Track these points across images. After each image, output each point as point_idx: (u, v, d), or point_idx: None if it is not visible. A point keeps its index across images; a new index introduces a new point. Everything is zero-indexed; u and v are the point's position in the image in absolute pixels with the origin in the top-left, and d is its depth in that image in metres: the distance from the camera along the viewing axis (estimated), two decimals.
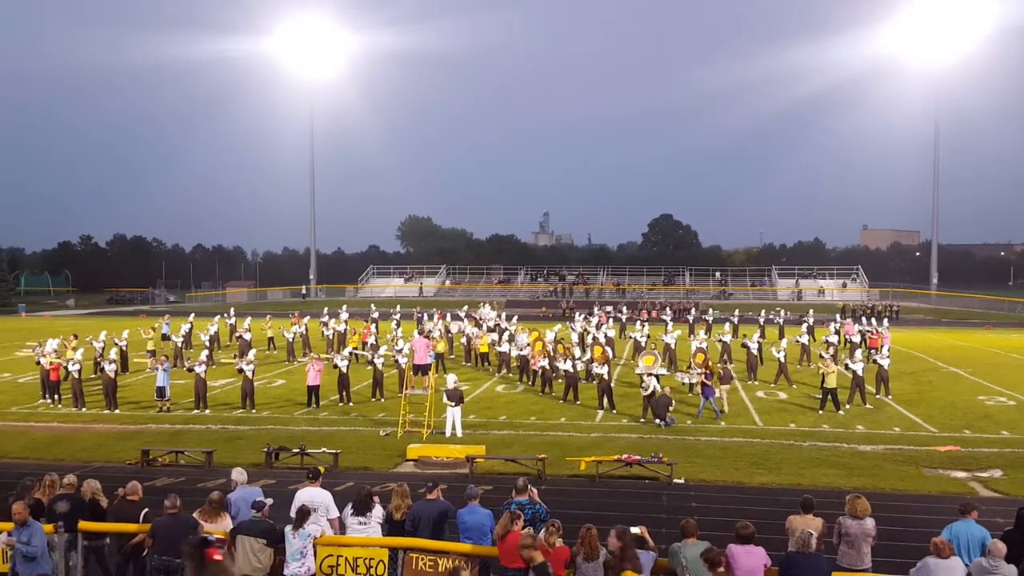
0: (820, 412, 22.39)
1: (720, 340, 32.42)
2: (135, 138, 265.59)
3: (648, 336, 32.23)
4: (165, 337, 35.26)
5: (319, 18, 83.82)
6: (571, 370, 24.25)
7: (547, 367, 25.61)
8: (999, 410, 23.22)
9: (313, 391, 23.18)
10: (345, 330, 35.54)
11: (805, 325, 36.72)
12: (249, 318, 37.92)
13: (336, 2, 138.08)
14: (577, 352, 26.73)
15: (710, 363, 23.80)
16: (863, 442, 19.06)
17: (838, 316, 41.98)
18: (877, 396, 24.50)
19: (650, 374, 21.79)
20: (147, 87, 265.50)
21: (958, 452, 18.07)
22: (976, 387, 27.24)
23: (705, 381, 22.14)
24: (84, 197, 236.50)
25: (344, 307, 42.76)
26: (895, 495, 14.81)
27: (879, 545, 9.77)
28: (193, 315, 40.06)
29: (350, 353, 26.73)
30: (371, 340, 30.93)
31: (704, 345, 28.55)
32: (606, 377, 23.26)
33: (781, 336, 35.55)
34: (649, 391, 21.13)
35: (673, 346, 30.88)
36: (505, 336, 31.76)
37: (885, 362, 25.27)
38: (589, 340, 31.97)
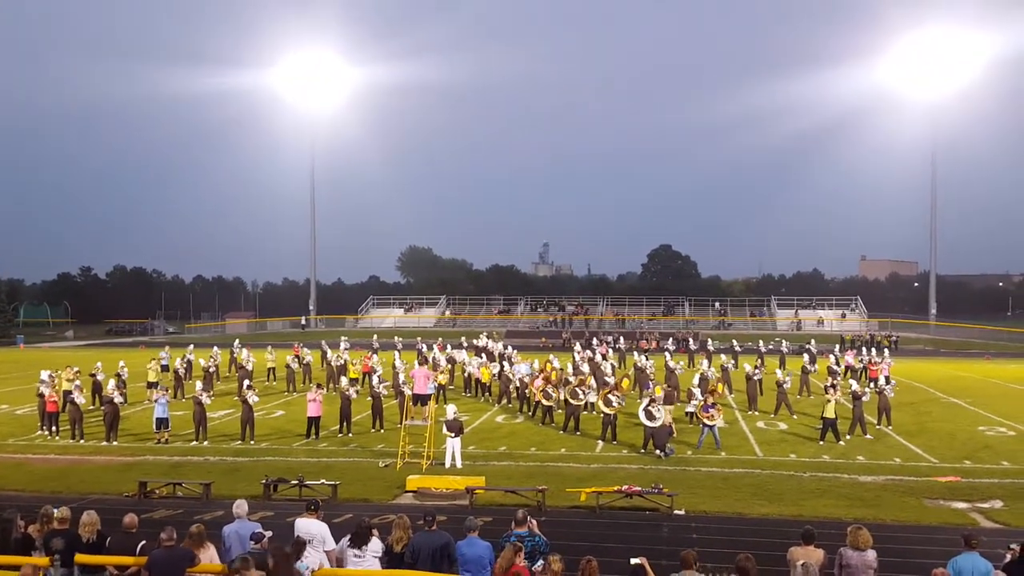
0: (820, 443, 22.33)
1: (724, 368, 32.51)
2: (136, 170, 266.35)
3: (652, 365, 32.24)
4: (165, 368, 35.21)
5: (321, 51, 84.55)
6: (591, 400, 24.21)
7: (568, 398, 25.10)
8: (999, 440, 23.16)
9: (313, 422, 23.17)
10: (345, 361, 35.48)
11: (807, 355, 36.75)
12: (246, 349, 37.90)
13: (338, 35, 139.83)
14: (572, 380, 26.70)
15: (716, 392, 23.82)
16: (864, 473, 19.01)
17: (837, 347, 42.02)
18: (878, 427, 24.45)
19: (658, 405, 21.73)
20: (148, 119, 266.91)
21: (959, 483, 18.01)
22: (976, 417, 27.18)
23: (702, 413, 22.12)
24: (84, 228, 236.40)
25: (343, 338, 42.72)
26: (896, 526, 14.76)
27: None
28: (192, 346, 40.02)
29: (350, 383, 26.73)
30: (379, 370, 30.73)
31: (710, 374, 28.85)
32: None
33: (782, 365, 35.52)
34: (658, 423, 21.01)
35: (677, 376, 30.88)
36: (507, 366, 31.71)
37: (890, 392, 25.29)
38: (607, 369, 31.89)
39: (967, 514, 15.73)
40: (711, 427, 21.79)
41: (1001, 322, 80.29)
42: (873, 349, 40.19)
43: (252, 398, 23.05)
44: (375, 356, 36.74)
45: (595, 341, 44.41)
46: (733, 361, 34.87)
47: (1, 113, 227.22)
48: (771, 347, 41.60)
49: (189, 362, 35.43)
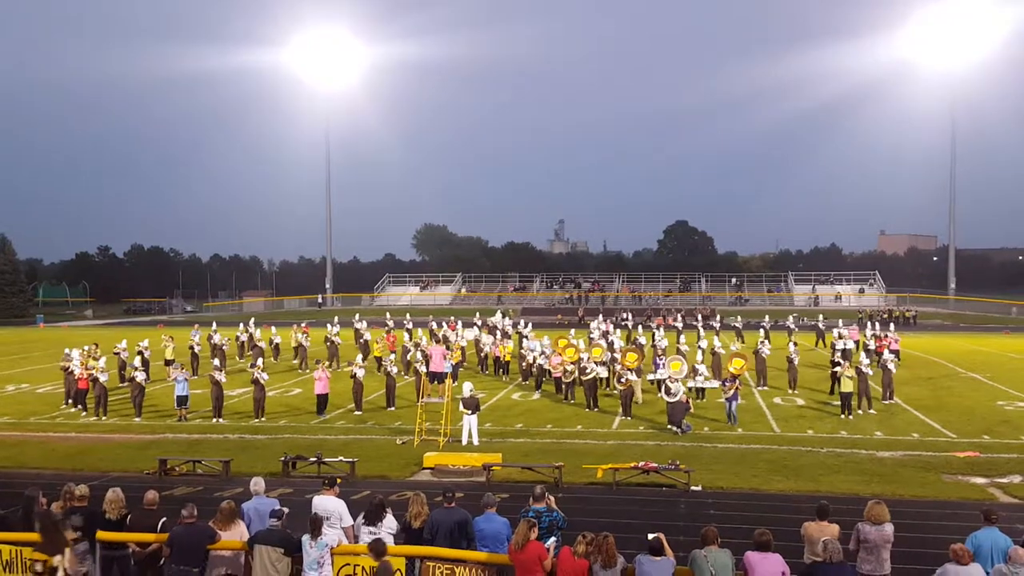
0: (841, 417, 22.34)
1: (735, 344, 32.51)
2: (152, 149, 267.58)
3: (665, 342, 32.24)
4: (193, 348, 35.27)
5: (334, 29, 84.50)
6: (602, 375, 24.41)
7: (581, 376, 25.22)
8: (1018, 415, 23.01)
9: (321, 399, 23.48)
10: (367, 340, 35.62)
11: (815, 331, 36.73)
12: (259, 330, 38.03)
13: (351, 13, 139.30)
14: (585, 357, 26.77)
15: (733, 368, 23.82)
16: (881, 448, 18.94)
17: (840, 321, 41.65)
18: (884, 401, 24.39)
19: (675, 380, 21.78)
20: (164, 98, 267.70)
21: (977, 458, 17.92)
22: (995, 392, 27.01)
23: (739, 386, 22.21)
24: (102, 208, 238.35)
25: (357, 316, 42.79)
26: (914, 501, 14.70)
27: (898, 552, 9.71)
28: (215, 323, 40.13)
29: (376, 360, 26.83)
30: (412, 349, 30.74)
31: (718, 347, 28.97)
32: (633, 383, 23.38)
33: (790, 340, 35.44)
34: (677, 397, 21.01)
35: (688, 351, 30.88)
36: (524, 344, 31.75)
37: (892, 367, 25.25)
38: (619, 345, 31.93)
39: (986, 489, 15.65)
40: (729, 401, 21.82)
41: (1021, 296, 79.46)
42: (877, 324, 39.79)
43: (262, 376, 23.25)
44: (408, 336, 36.76)
45: (600, 317, 44.32)
46: (739, 337, 34.98)
47: (19, 94, 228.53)
48: (778, 323, 41.50)
49: (217, 341, 35.93)
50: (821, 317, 42.01)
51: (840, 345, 31.44)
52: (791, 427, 21.49)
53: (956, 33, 72.18)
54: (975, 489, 15.64)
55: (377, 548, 8.81)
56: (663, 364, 26.46)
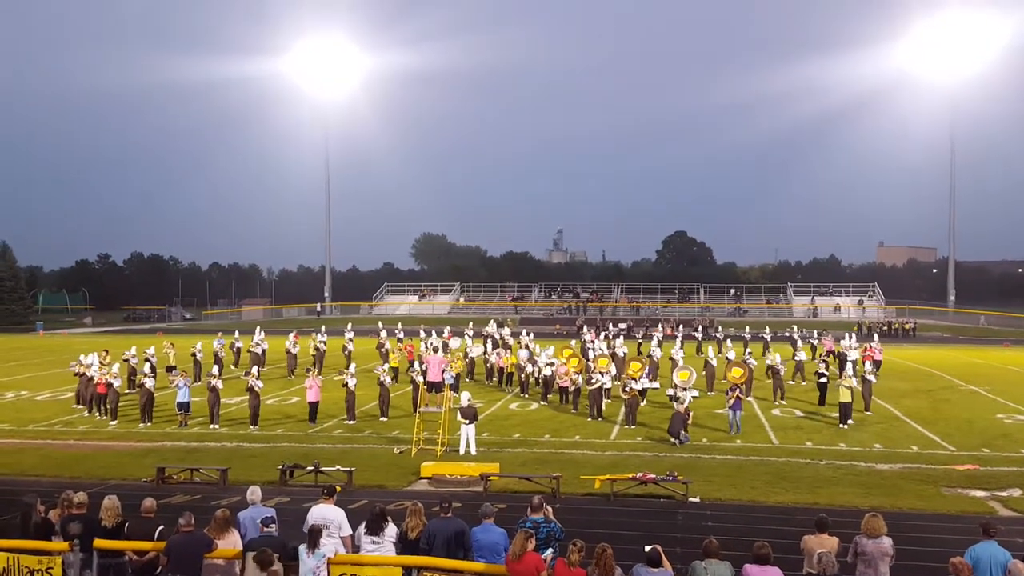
0: (840, 427, 22.47)
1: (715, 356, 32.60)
2: (152, 157, 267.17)
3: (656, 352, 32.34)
4: (217, 354, 35.22)
5: (334, 38, 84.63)
6: (606, 384, 24.44)
7: (586, 384, 25.32)
8: (1018, 428, 22.98)
9: (313, 407, 23.54)
10: (387, 349, 35.66)
11: (789, 341, 36.93)
12: (260, 335, 38.01)
13: (350, 22, 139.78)
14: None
15: (732, 378, 23.90)
16: (881, 460, 18.92)
17: (815, 332, 41.64)
18: (866, 412, 24.51)
19: (684, 389, 21.80)
20: (163, 106, 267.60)
21: (977, 471, 17.90)
22: (994, 405, 26.98)
23: (740, 396, 22.22)
24: (102, 216, 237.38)
25: (349, 325, 42.74)
26: (913, 514, 14.67)
27: (898, 565, 9.67)
28: (237, 332, 40.00)
29: (391, 370, 26.78)
30: (427, 358, 30.75)
31: (714, 361, 29.04)
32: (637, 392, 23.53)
33: (765, 351, 35.33)
34: (685, 405, 21.01)
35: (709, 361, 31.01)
36: (520, 355, 31.70)
37: (872, 378, 25.42)
38: (618, 354, 31.93)
39: (985, 502, 15.63)
40: (731, 410, 21.83)
41: (1020, 308, 79.41)
42: (853, 335, 39.71)
43: (257, 384, 23.29)
44: (423, 345, 36.83)
45: (585, 328, 44.25)
46: (720, 348, 35.14)
47: (19, 103, 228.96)
48: (756, 333, 41.49)
49: (238, 349, 36.12)
50: (795, 328, 42.03)
51: (852, 356, 31.44)
52: (789, 438, 21.46)
53: (955, 45, 72.38)
54: (974, 502, 15.62)
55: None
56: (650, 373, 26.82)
